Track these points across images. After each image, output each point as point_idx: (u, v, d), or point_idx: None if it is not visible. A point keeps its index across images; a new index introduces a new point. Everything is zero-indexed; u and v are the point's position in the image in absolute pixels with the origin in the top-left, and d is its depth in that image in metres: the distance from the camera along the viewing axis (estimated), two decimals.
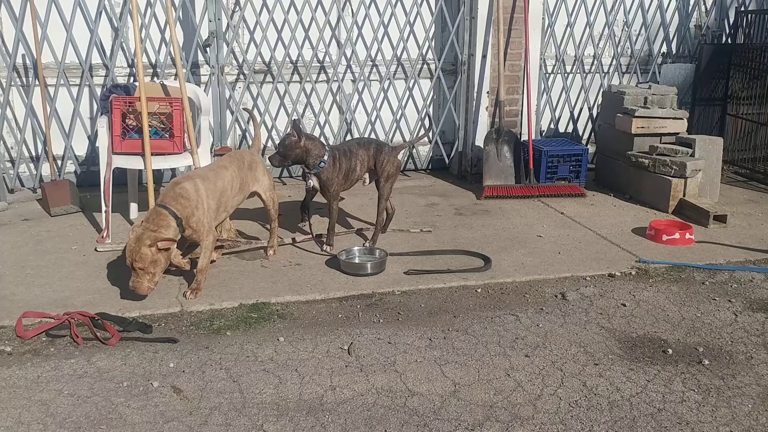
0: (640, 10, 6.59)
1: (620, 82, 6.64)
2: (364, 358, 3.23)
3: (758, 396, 2.97)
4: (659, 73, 6.65)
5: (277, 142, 6.02)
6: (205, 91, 5.58)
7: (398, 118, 6.32)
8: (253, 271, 4.21)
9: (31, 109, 5.54)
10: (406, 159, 6.50)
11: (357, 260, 4.26)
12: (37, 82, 5.43)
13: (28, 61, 5.50)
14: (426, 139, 6.41)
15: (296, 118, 4.17)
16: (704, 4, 6.77)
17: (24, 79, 5.55)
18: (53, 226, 4.92)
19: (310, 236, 4.61)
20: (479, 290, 4.00)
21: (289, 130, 4.42)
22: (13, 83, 5.49)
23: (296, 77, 6.08)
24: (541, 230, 4.95)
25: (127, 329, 3.46)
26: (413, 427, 2.73)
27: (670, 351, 3.33)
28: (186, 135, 4.73)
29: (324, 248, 4.51)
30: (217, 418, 2.77)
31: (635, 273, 4.24)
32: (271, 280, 4.07)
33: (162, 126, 4.73)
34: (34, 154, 5.71)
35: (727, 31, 6.80)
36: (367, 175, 4.67)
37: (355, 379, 3.06)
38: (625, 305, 3.82)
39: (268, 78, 6.02)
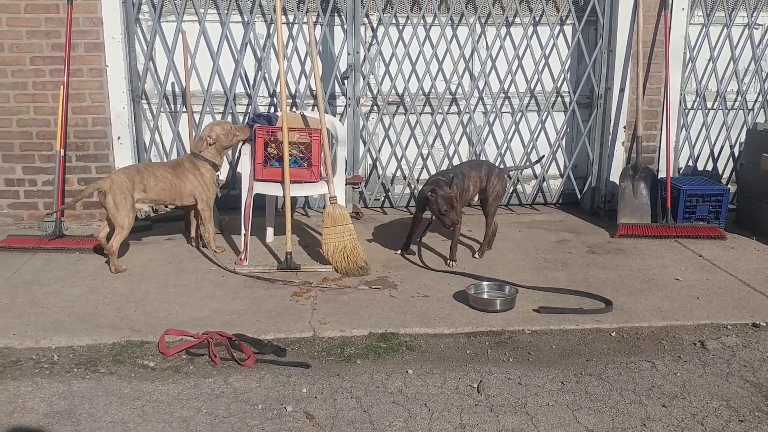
0: None
1: (766, 120, 6.32)
2: (493, 398, 3.20)
3: None
4: None
5: (405, 171, 6.12)
6: (340, 121, 5.73)
7: (529, 150, 6.26)
8: (381, 300, 4.26)
9: (177, 135, 5.86)
10: (535, 192, 6.42)
11: (486, 296, 4.23)
12: (184, 109, 5.75)
13: (177, 89, 5.84)
14: (557, 173, 6.33)
15: (433, 187, 4.55)
16: None
17: (172, 106, 5.88)
18: (194, 246, 5.16)
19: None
20: (613, 334, 3.88)
21: (433, 195, 4.60)
22: (162, 110, 5.83)
23: (428, 109, 6.15)
24: (679, 273, 4.76)
25: (262, 351, 3.58)
26: None
27: None
28: (323, 164, 4.87)
29: (449, 264, 4.81)
30: None
31: None
32: (400, 310, 4.10)
33: (301, 155, 4.89)
34: None
35: None
36: (476, 195, 5.00)
37: (485, 419, 3.02)
38: None
39: (401, 109, 6.12)
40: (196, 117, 5.80)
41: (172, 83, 5.84)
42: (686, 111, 6.27)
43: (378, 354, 3.61)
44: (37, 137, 5.47)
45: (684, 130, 6.26)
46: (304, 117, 5.15)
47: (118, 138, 5.59)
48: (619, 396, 3.23)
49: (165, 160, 5.91)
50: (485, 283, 4.34)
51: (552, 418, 3.04)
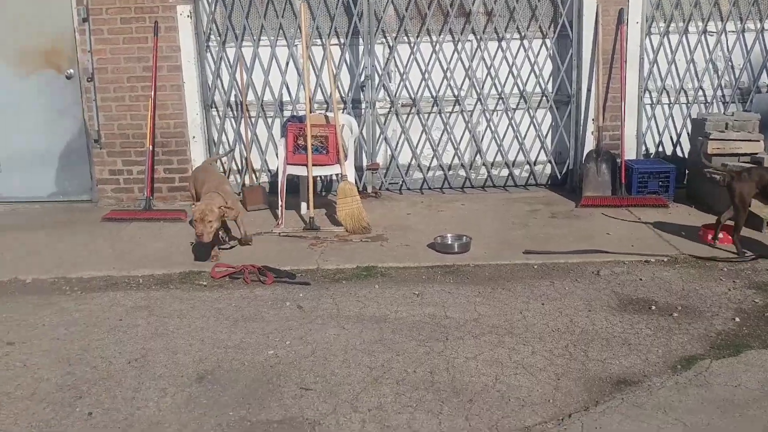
0: (738, 46, 7.42)
1: (722, 111, 7.49)
2: (425, 299, 4.68)
3: (698, 335, 4.04)
4: None
5: (418, 160, 7.61)
6: (362, 120, 7.31)
7: (522, 141, 7.65)
8: (373, 248, 5.77)
9: (238, 133, 7.57)
10: (527, 176, 7.79)
11: (449, 242, 5.70)
12: (242, 115, 7.45)
13: (238, 99, 7.55)
14: (545, 159, 7.70)
15: None
16: None
17: (234, 112, 7.60)
18: (248, 218, 6.77)
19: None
20: (536, 267, 5.27)
21: None
22: (227, 115, 7.56)
23: (435, 109, 7.64)
24: (613, 230, 6.06)
25: (279, 275, 5.17)
26: (438, 333, 4.16)
27: (654, 307, 4.44)
28: (338, 151, 6.45)
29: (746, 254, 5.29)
30: (318, 320, 4.38)
31: (667, 260, 5.28)
32: (384, 254, 5.62)
33: (321, 145, 6.48)
34: (239, 167, 7.73)
35: None
36: None
37: (414, 307, 4.52)
38: (641, 279, 4.92)
39: (413, 110, 7.64)
40: (253, 120, 7.50)
41: (235, 95, 7.55)
42: (653, 105, 7.52)
43: (359, 278, 5.14)
44: (133, 137, 7.30)
45: (649, 120, 7.51)
46: (326, 117, 6.75)
47: (193, 137, 7.34)
48: (514, 299, 4.65)
49: (225, 151, 7.64)
50: (449, 234, 5.80)
51: (458, 308, 4.51)
